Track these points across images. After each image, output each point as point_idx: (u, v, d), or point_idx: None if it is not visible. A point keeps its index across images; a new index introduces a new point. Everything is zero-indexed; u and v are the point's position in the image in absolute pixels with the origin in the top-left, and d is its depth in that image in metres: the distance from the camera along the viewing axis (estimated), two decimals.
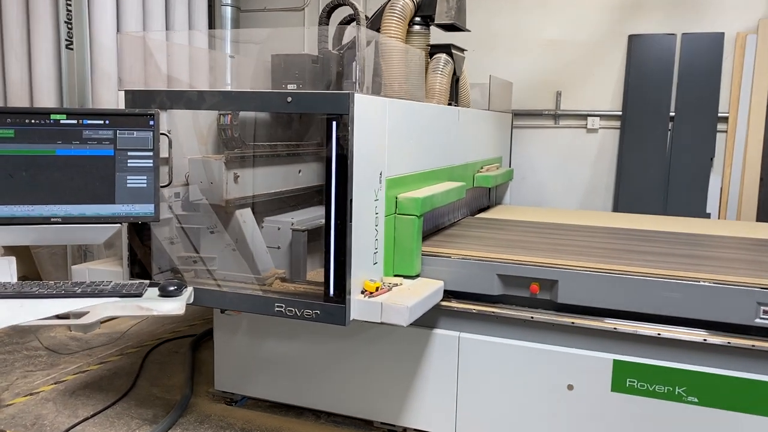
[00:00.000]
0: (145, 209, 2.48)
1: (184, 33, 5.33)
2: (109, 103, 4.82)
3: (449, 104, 3.99)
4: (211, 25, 5.99)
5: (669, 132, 5.28)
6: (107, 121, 2.45)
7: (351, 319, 2.66)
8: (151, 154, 2.47)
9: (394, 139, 2.96)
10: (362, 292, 2.73)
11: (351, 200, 2.57)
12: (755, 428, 2.71)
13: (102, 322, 4.73)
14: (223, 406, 3.65)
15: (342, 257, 2.60)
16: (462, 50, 4.15)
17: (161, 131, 2.55)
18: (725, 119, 5.16)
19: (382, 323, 2.65)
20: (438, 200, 3.25)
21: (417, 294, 2.81)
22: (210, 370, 3.89)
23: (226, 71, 4.15)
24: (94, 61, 4.75)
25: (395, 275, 3.02)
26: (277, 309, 2.72)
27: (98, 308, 2.08)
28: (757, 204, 5.05)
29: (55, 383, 3.90)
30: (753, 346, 2.69)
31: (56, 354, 4.34)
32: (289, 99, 2.62)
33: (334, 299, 2.63)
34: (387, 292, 2.78)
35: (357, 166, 2.60)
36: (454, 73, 4.02)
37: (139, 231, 2.90)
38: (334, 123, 2.55)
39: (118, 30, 4.87)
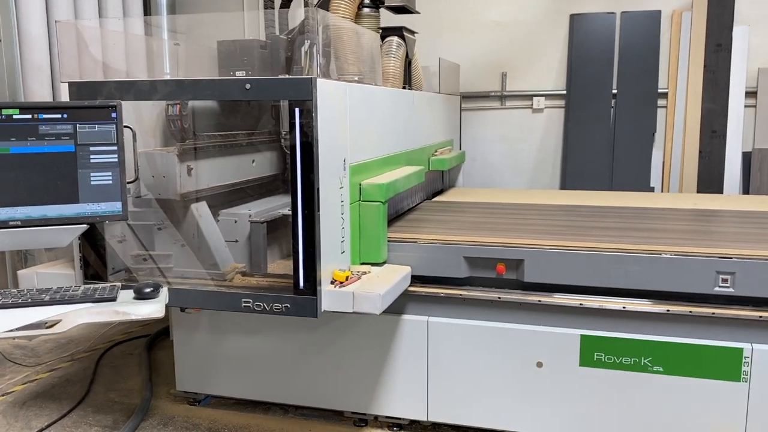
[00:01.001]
0: (111, 207, 2.33)
1: (119, 20, 5.08)
2: (42, 97, 4.56)
3: (403, 88, 3.95)
4: (146, 11, 5.74)
5: (612, 109, 5.40)
6: (65, 115, 2.27)
7: (322, 310, 2.61)
8: (115, 148, 2.31)
9: (355, 125, 2.91)
10: (332, 283, 2.68)
11: (318, 189, 2.51)
12: (718, 393, 2.81)
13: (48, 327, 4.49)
14: (187, 407, 3.54)
15: (311, 248, 2.54)
16: (413, 33, 4.11)
17: (124, 124, 2.40)
18: (665, 95, 5.31)
19: (354, 312, 2.61)
20: (401, 185, 3.22)
21: (387, 281, 2.78)
22: (168, 370, 3.76)
23: (164, 60, 3.97)
24: (23, 53, 4.47)
25: (362, 263, 2.98)
26: (244, 305, 2.64)
27: (71, 315, 1.95)
28: (697, 176, 5.23)
29: (2, 395, 3.69)
30: (713, 313, 2.78)
31: (0, 364, 4.11)
32: (248, 86, 2.53)
33: (305, 291, 2.57)
34: (357, 280, 2.73)
35: (322, 153, 2.53)
36: (407, 56, 3.98)
37: (88, 230, 2.75)
38: (297, 110, 2.47)
39: (47, 20, 4.60)
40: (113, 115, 2.32)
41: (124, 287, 2.21)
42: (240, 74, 3.03)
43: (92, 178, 2.31)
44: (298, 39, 3.31)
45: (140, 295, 2.15)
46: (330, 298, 2.63)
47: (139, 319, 2.03)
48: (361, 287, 2.67)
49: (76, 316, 1.95)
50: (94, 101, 2.44)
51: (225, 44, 3.09)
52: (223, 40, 3.07)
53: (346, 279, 2.69)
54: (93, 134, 2.30)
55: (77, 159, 2.28)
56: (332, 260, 2.70)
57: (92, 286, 2.20)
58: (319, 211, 2.53)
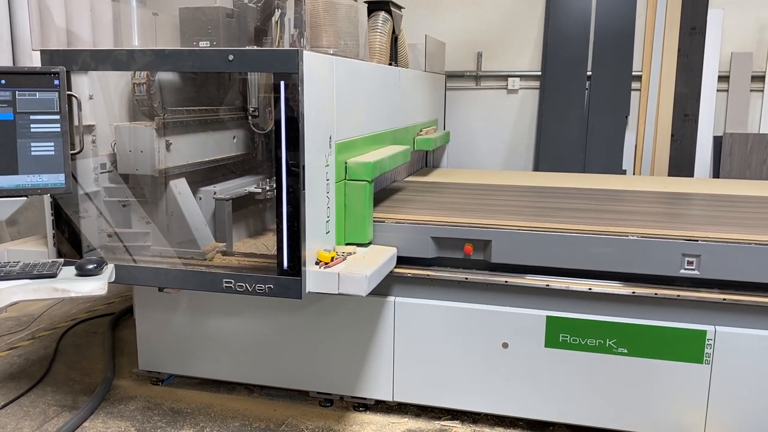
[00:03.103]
0: (53, 179, 2.23)
1: None
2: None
3: (389, 64, 3.86)
4: None
5: (586, 91, 5.37)
6: (3, 81, 2.15)
7: (307, 291, 2.55)
8: (57, 117, 2.20)
9: (342, 101, 2.83)
10: (317, 263, 2.62)
11: (304, 166, 2.44)
12: (681, 375, 2.82)
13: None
14: (149, 387, 3.48)
15: (296, 227, 2.47)
16: (400, 8, 4.01)
17: (68, 92, 2.29)
18: (639, 78, 5.30)
19: (339, 294, 2.56)
20: (387, 164, 3.15)
21: (373, 262, 2.73)
22: (132, 349, 3.69)
23: (133, 29, 3.83)
24: None
25: (347, 243, 2.93)
26: (225, 285, 2.57)
27: (6, 292, 1.86)
28: (669, 159, 5.25)
29: None
30: (678, 296, 2.78)
31: None
32: (231, 57, 2.43)
33: (289, 272, 2.50)
34: (342, 261, 2.68)
35: (308, 129, 2.45)
36: (393, 31, 3.89)
37: (63, 207, 2.67)
38: (282, 83, 2.39)
39: None
40: (56, 82, 2.21)
41: (66, 263, 2.13)
42: (203, 44, 2.92)
43: (32, 149, 2.20)
44: (266, 7, 3.19)
45: (82, 272, 2.07)
46: (315, 279, 2.57)
47: (80, 296, 1.95)
48: (347, 268, 2.61)
49: (11, 294, 1.87)
50: (35, 67, 2.32)
51: (187, 12, 2.96)
52: (185, 7, 2.95)
53: (332, 260, 2.64)
54: (33, 102, 2.19)
55: (16, 128, 2.17)
56: (317, 240, 2.64)
57: (33, 262, 2.11)
58: (304, 189, 2.45)
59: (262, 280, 2.54)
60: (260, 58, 2.50)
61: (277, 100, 2.40)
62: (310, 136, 2.48)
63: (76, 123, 2.51)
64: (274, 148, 2.45)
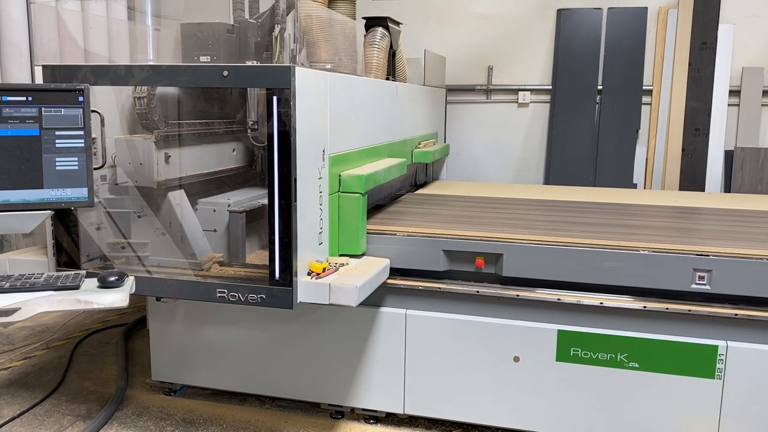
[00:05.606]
0: (77, 194, 2.29)
1: (101, 3, 4.99)
2: (21, 79, 4.49)
3: (387, 79, 3.92)
4: None
5: (597, 105, 5.39)
6: (30, 98, 2.22)
7: (298, 301, 2.59)
8: (81, 133, 2.27)
9: (336, 115, 2.88)
10: (309, 274, 2.66)
11: (295, 179, 2.48)
12: (692, 390, 2.82)
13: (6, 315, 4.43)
14: (162, 397, 3.51)
15: (287, 238, 2.52)
16: (398, 23, 4.08)
17: (92, 108, 2.36)
18: (649, 92, 5.32)
19: (330, 304, 2.59)
20: (381, 177, 3.19)
21: (365, 273, 2.77)
22: (145, 360, 3.73)
23: (148, 45, 3.90)
24: (3, 34, 4.39)
25: (341, 255, 2.96)
26: (219, 295, 2.61)
27: (31, 303, 1.90)
28: (680, 173, 5.25)
29: None
30: (689, 311, 2.78)
31: None
32: (225, 73, 2.50)
33: (281, 282, 2.55)
34: (334, 272, 2.71)
35: (300, 143, 2.51)
36: (391, 47, 3.95)
37: (63, 217, 2.72)
38: (275, 98, 2.45)
39: (27, 2, 4.51)
40: (80, 98, 2.27)
41: (88, 275, 2.17)
42: (204, 59, 2.98)
43: (57, 163, 2.26)
44: (266, 23, 3.24)
45: (104, 284, 2.11)
46: (306, 290, 2.61)
47: (102, 308, 1.99)
48: (338, 279, 2.65)
49: (36, 305, 1.91)
50: (60, 84, 2.39)
51: (189, 27, 3.03)
52: (186, 23, 3.02)
53: (324, 270, 2.67)
54: (59, 118, 2.25)
55: (42, 143, 2.23)
56: (309, 251, 2.68)
57: (56, 273, 2.16)
58: (296, 201, 2.50)
59: (254, 290, 2.58)
60: (254, 73, 2.55)
61: (270, 114, 2.46)
62: (302, 149, 2.53)
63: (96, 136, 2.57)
64: (267, 161, 2.50)
